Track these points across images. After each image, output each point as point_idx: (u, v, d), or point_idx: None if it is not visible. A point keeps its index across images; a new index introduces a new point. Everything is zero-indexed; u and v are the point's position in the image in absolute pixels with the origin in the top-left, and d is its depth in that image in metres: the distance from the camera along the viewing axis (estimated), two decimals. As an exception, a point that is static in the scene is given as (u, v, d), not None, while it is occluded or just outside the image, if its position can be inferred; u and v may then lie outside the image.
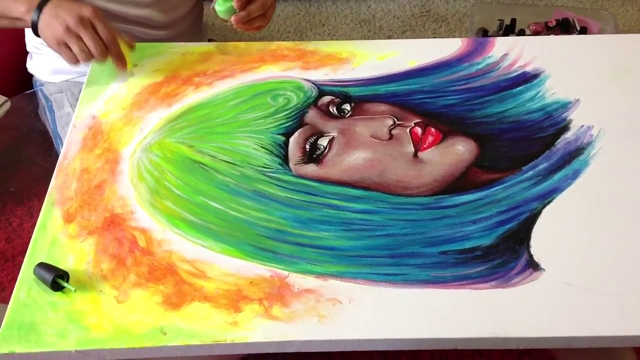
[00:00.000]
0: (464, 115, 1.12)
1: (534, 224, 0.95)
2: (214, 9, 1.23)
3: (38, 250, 0.94)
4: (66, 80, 1.43)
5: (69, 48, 1.17)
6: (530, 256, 0.90)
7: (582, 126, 1.09)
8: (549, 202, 0.97)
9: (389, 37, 2.53)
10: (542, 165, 1.03)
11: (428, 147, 1.05)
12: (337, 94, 1.16)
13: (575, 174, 1.01)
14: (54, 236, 0.96)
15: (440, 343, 0.84)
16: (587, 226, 0.94)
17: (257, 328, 0.84)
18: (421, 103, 1.14)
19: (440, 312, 0.85)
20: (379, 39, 2.51)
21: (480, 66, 1.22)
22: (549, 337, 0.83)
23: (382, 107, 1.13)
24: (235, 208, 0.98)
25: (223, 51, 1.30)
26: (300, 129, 1.08)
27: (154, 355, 0.85)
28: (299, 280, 0.89)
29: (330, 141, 1.06)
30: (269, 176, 1.02)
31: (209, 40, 1.61)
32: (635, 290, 0.86)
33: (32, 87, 1.51)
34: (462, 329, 0.83)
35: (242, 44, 1.31)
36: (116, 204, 1.01)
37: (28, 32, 1.48)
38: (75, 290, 0.89)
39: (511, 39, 1.28)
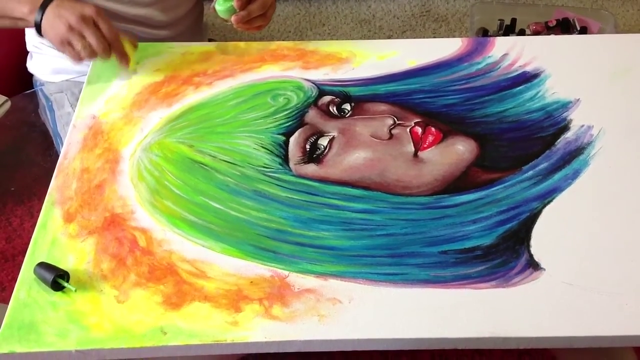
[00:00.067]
0: (464, 115, 1.12)
1: (534, 223, 0.95)
2: (214, 8, 1.23)
3: (38, 250, 0.94)
4: (66, 80, 1.44)
5: (73, 46, 1.17)
6: (531, 256, 0.90)
7: (582, 126, 1.09)
8: (549, 202, 0.97)
9: (389, 37, 2.53)
10: (542, 165, 1.03)
11: (428, 147, 1.05)
12: (337, 94, 1.16)
13: (576, 174, 1.01)
14: (54, 236, 0.96)
15: (441, 343, 0.84)
16: (587, 226, 0.94)
17: (257, 328, 0.84)
18: (421, 103, 1.14)
19: (441, 312, 0.85)
20: (379, 38, 2.51)
21: (480, 66, 1.22)
22: (549, 337, 0.83)
23: (382, 107, 1.13)
24: (236, 208, 0.98)
25: (223, 51, 1.30)
26: (300, 129, 1.08)
27: (154, 355, 0.85)
28: (299, 280, 0.89)
29: (331, 141, 1.06)
30: (269, 176, 1.02)
31: (209, 40, 1.61)
32: (635, 290, 0.86)
33: (32, 87, 1.51)
34: (463, 328, 0.83)
35: (242, 44, 1.31)
36: (116, 204, 1.01)
37: (28, 31, 1.48)
38: (75, 290, 0.89)
39: (511, 39, 1.28)
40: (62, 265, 0.91)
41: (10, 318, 0.86)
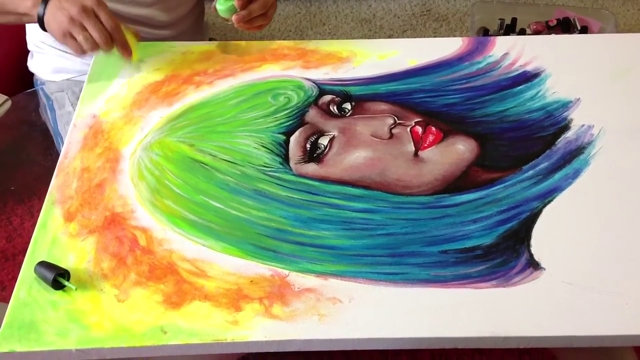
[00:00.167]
0: (464, 115, 1.12)
1: (535, 223, 0.94)
2: (215, 8, 1.23)
3: (38, 250, 0.94)
4: (67, 79, 1.44)
5: (75, 39, 1.17)
6: (531, 255, 0.90)
7: (583, 125, 1.09)
8: (549, 202, 0.97)
9: (390, 37, 2.53)
10: (543, 164, 1.03)
11: (428, 146, 1.05)
12: (338, 93, 1.16)
13: (576, 174, 1.01)
14: (54, 235, 0.96)
15: (441, 342, 0.84)
16: (587, 225, 0.94)
17: (257, 327, 0.84)
18: (422, 102, 1.14)
19: (441, 312, 0.85)
20: (380, 38, 2.51)
21: (480, 65, 1.22)
22: (549, 337, 0.83)
23: (383, 106, 1.13)
24: (236, 207, 0.98)
25: (224, 50, 1.30)
26: (300, 128, 1.08)
27: (154, 354, 0.85)
28: (299, 279, 0.89)
29: (331, 140, 1.06)
30: (269, 175, 1.02)
31: (210, 40, 1.61)
32: (635, 290, 0.86)
33: (32, 86, 1.51)
34: (463, 328, 0.83)
35: (242, 43, 1.31)
36: (117, 203, 1.01)
37: (29, 30, 1.48)
38: (76, 289, 0.89)
39: (512, 38, 1.28)
40: (63, 265, 0.91)
41: (10, 317, 0.86)
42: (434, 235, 0.93)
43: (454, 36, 2.52)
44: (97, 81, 1.23)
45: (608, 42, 1.31)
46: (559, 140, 1.07)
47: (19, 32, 1.51)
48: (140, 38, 1.29)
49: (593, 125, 1.09)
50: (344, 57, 1.26)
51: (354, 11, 2.61)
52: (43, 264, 0.90)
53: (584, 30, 2.17)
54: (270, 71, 1.23)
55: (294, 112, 1.12)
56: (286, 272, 0.90)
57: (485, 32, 2.21)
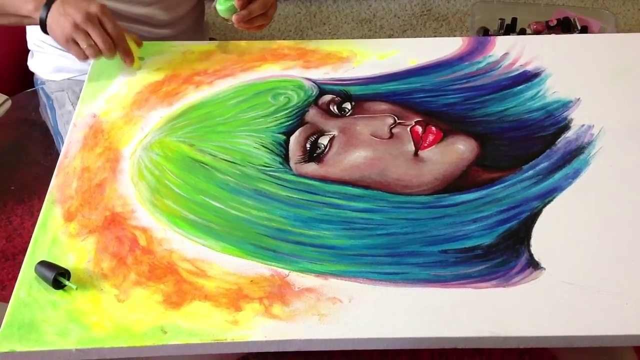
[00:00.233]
0: (464, 114, 1.12)
1: (535, 223, 0.94)
2: (215, 8, 1.23)
3: (38, 249, 0.94)
4: (67, 79, 1.44)
5: (78, 44, 1.17)
6: (531, 255, 0.90)
7: (583, 125, 1.09)
8: (549, 201, 0.97)
9: (390, 36, 2.53)
10: (543, 164, 1.03)
11: (429, 146, 1.05)
12: (338, 93, 1.16)
13: (576, 173, 1.01)
14: (54, 235, 0.96)
15: (441, 342, 0.84)
16: (587, 225, 0.94)
17: (257, 327, 0.84)
18: (422, 102, 1.14)
19: (441, 311, 0.85)
20: (380, 38, 2.51)
21: (481, 65, 1.22)
22: (549, 336, 0.83)
23: (383, 106, 1.13)
24: (236, 207, 0.98)
25: (224, 50, 1.30)
26: (300, 128, 1.08)
27: (154, 354, 0.85)
28: (299, 279, 0.89)
29: (331, 140, 1.06)
30: (269, 175, 1.02)
31: (210, 39, 1.61)
32: (635, 290, 0.86)
33: (32, 85, 1.51)
34: (463, 328, 0.83)
35: (242, 43, 1.31)
36: (117, 203, 1.01)
37: (29, 30, 1.48)
38: (76, 288, 0.89)
39: (512, 38, 1.28)
40: (63, 264, 0.91)
41: (10, 317, 0.86)
42: (434, 235, 0.93)
43: (454, 36, 2.51)
44: (98, 81, 1.23)
45: (608, 42, 1.31)
46: (559, 140, 1.07)
47: (20, 32, 1.51)
48: (140, 37, 1.29)
49: (593, 125, 1.09)
50: (344, 57, 1.26)
51: (354, 11, 2.61)
52: (43, 264, 0.90)
53: (584, 30, 2.17)
54: (270, 71, 1.23)
55: (294, 112, 1.12)
56: (286, 272, 0.90)
57: (485, 32, 2.21)
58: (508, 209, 0.96)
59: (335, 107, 1.12)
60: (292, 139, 1.07)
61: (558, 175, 1.01)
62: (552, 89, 1.16)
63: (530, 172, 1.02)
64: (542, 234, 0.93)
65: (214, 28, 2.36)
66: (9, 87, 1.48)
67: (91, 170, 1.06)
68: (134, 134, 1.12)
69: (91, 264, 0.92)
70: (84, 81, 1.24)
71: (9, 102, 1.41)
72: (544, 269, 0.89)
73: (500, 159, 1.05)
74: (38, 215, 0.99)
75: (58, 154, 1.10)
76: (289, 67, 1.23)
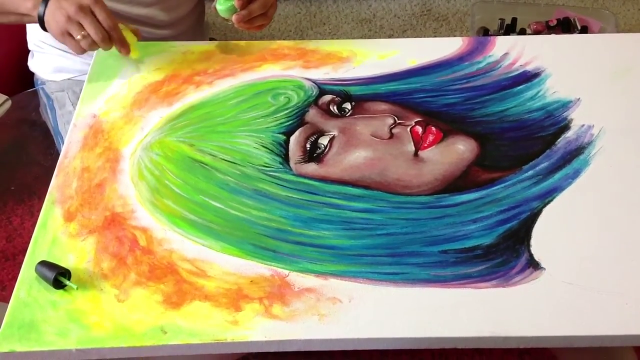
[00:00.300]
0: (464, 114, 1.12)
1: (535, 223, 0.94)
2: (215, 8, 1.23)
3: (38, 249, 0.94)
4: (68, 79, 1.44)
5: (73, 37, 1.17)
6: (531, 255, 0.90)
7: (583, 125, 1.09)
8: (549, 202, 0.97)
9: (390, 36, 2.53)
10: (543, 164, 1.03)
11: (429, 146, 1.05)
12: (338, 93, 1.16)
13: (576, 173, 1.01)
14: (54, 235, 0.96)
15: (441, 342, 0.84)
16: (587, 225, 0.94)
17: (257, 327, 0.84)
18: (422, 102, 1.14)
19: (441, 311, 0.85)
20: (380, 38, 2.51)
21: (481, 65, 1.22)
22: (549, 337, 0.83)
23: (383, 106, 1.13)
24: (236, 207, 0.98)
25: (224, 50, 1.30)
26: (300, 128, 1.08)
27: (154, 354, 0.85)
28: (299, 279, 0.89)
29: (331, 140, 1.06)
30: (269, 175, 1.02)
31: (210, 40, 1.61)
32: (635, 290, 0.86)
33: (33, 86, 1.51)
34: (463, 328, 0.83)
35: (242, 43, 1.31)
36: (117, 203, 1.01)
37: (30, 30, 1.48)
38: (77, 288, 0.89)
39: (512, 38, 1.28)
40: (63, 264, 0.91)
41: (10, 317, 0.86)
42: (434, 235, 0.93)
43: (454, 36, 2.51)
44: (97, 81, 1.23)
45: (608, 42, 1.31)
46: (559, 140, 1.07)
47: (20, 32, 1.51)
48: (141, 38, 1.29)
49: (593, 125, 1.09)
50: (344, 57, 1.26)
51: (354, 11, 2.61)
52: (44, 264, 0.90)
53: (584, 30, 2.17)
54: (270, 71, 1.23)
55: (294, 112, 1.12)
56: (286, 272, 0.90)
57: (485, 32, 2.21)
58: (508, 209, 0.96)
59: (335, 107, 1.12)
60: (292, 139, 1.07)
61: (558, 176, 1.01)
62: (552, 89, 1.16)
63: (530, 172, 1.02)
64: (542, 234, 0.93)
65: (214, 28, 2.36)
66: (9, 87, 1.48)
67: (91, 170, 1.06)
68: (134, 134, 1.12)
69: (91, 264, 0.92)
70: (84, 81, 1.24)
71: (9, 102, 1.41)
72: (544, 269, 0.89)
73: (500, 159, 1.05)
74: (38, 216, 0.99)
75: (58, 154, 1.10)
76: (289, 67, 1.24)
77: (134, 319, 0.86)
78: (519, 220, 0.95)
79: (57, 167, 1.07)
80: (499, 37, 1.31)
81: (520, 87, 1.17)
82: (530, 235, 0.93)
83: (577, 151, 1.05)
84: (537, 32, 2.18)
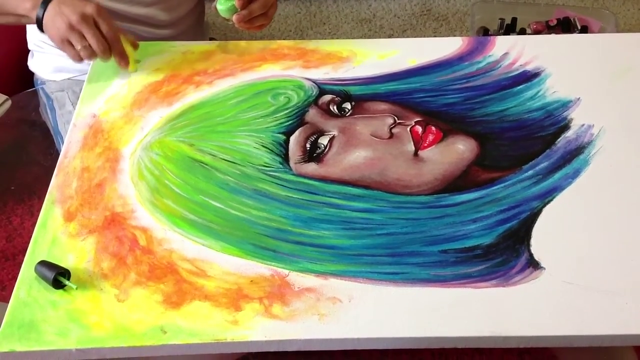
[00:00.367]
0: (464, 114, 1.12)
1: (535, 222, 0.94)
2: (215, 8, 1.23)
3: (38, 249, 0.94)
4: (68, 79, 1.44)
5: (72, 45, 1.17)
6: (531, 255, 0.90)
7: (583, 125, 1.09)
8: (549, 201, 0.97)
9: (390, 36, 2.53)
10: (543, 164, 1.03)
11: (428, 146, 1.05)
12: (338, 93, 1.16)
13: (576, 173, 1.01)
14: (54, 235, 0.96)
15: (441, 342, 0.84)
16: (587, 225, 0.94)
17: (257, 327, 0.84)
18: (422, 102, 1.14)
19: (441, 311, 0.85)
20: (380, 37, 2.51)
21: (480, 65, 1.22)
22: (549, 336, 0.83)
23: (383, 106, 1.13)
24: (236, 207, 0.98)
25: (224, 50, 1.30)
26: (300, 128, 1.08)
27: (154, 354, 0.85)
28: (299, 279, 0.89)
29: (331, 140, 1.06)
30: (269, 175, 1.02)
31: (210, 39, 1.61)
32: (635, 289, 0.86)
33: (33, 85, 1.51)
34: (463, 327, 0.83)
35: (242, 43, 1.31)
36: (117, 203, 1.01)
37: (30, 30, 1.48)
38: (76, 288, 0.89)
39: (512, 38, 1.28)
40: (63, 264, 0.91)
41: (10, 317, 0.86)
42: (434, 235, 0.93)
43: (454, 36, 2.52)
44: (97, 81, 1.23)
45: (608, 41, 1.31)
46: (558, 139, 1.07)
47: (20, 32, 1.51)
48: (141, 37, 1.29)
49: (593, 125, 1.09)
50: (344, 57, 1.26)
51: (354, 11, 2.61)
52: (43, 263, 0.90)
53: (584, 30, 2.17)
54: (270, 71, 1.23)
55: (294, 112, 1.12)
56: (286, 271, 0.90)
57: (485, 32, 2.21)
58: (508, 209, 0.96)
59: (335, 107, 1.12)
60: (292, 138, 1.07)
61: (558, 175, 1.01)
62: (552, 89, 1.16)
63: (530, 172, 1.02)
64: (542, 233, 0.93)
65: (214, 28, 2.36)
66: (9, 87, 1.48)
67: (91, 170, 1.06)
68: (134, 134, 1.12)
69: (91, 264, 0.92)
70: (84, 81, 1.24)
71: (9, 102, 1.41)
72: (544, 268, 0.89)
73: (500, 159, 1.05)
74: (38, 215, 0.99)
75: (58, 154, 1.10)
76: (289, 67, 1.24)
77: (134, 319, 0.86)
78: (519, 220, 0.95)
79: (57, 167, 1.07)
80: (498, 36, 1.31)
81: (520, 86, 1.17)
82: (530, 235, 0.93)
83: (577, 151, 1.05)
84: (537, 32, 2.18)
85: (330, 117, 1.10)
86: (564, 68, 1.20)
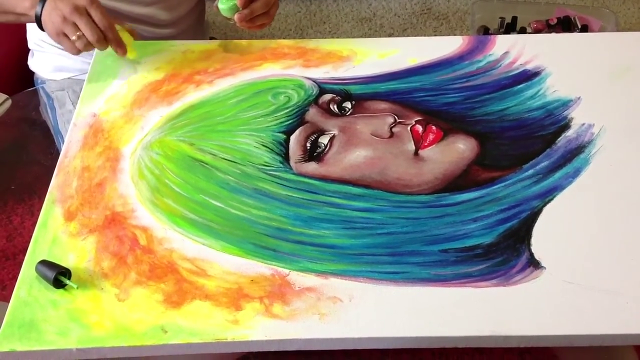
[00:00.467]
0: (464, 113, 1.12)
1: (535, 222, 0.94)
2: (217, 7, 1.23)
3: (39, 249, 0.94)
4: (68, 78, 1.44)
5: (68, 38, 1.17)
6: (531, 254, 0.90)
7: (583, 124, 1.09)
8: (549, 201, 0.97)
9: (390, 35, 2.53)
10: (543, 163, 1.03)
11: (429, 145, 1.05)
12: (338, 92, 1.16)
13: (576, 172, 1.01)
14: (54, 234, 0.96)
15: (441, 341, 0.84)
16: (588, 224, 0.94)
17: (257, 326, 0.84)
18: (422, 101, 1.14)
19: (441, 311, 0.85)
20: (380, 36, 2.51)
21: (481, 64, 1.22)
22: (550, 336, 0.83)
23: (383, 105, 1.13)
24: (236, 206, 0.98)
25: (224, 49, 1.30)
26: (301, 127, 1.08)
27: (154, 353, 0.85)
28: (299, 278, 0.89)
29: (331, 139, 1.06)
30: (269, 174, 1.02)
31: (210, 39, 1.61)
32: (636, 289, 0.86)
33: (33, 85, 1.51)
34: (463, 327, 0.83)
35: (243, 42, 1.31)
36: (117, 202, 1.01)
37: (30, 29, 1.48)
38: (77, 287, 0.89)
39: (512, 37, 1.28)
40: (63, 264, 0.91)
41: (10, 316, 0.86)
42: (434, 234, 0.93)
43: (455, 35, 2.52)
44: (98, 80, 1.23)
45: (608, 40, 1.31)
46: (559, 139, 1.07)
47: (20, 31, 1.51)
48: (141, 37, 1.29)
49: (593, 124, 1.09)
50: (344, 56, 1.25)
51: (354, 10, 2.61)
52: (44, 263, 0.90)
53: (585, 29, 2.17)
54: (270, 70, 1.23)
55: (294, 111, 1.12)
56: (286, 271, 0.90)
57: (485, 31, 2.21)
58: (508, 208, 0.96)
59: (335, 106, 1.12)
60: (292, 138, 1.07)
61: (558, 174, 1.01)
62: (553, 88, 1.16)
63: (531, 171, 1.02)
64: (543, 233, 0.93)
65: (215, 27, 2.36)
66: (9, 86, 1.48)
67: (91, 169, 1.06)
68: (134, 133, 1.12)
69: (91, 264, 0.92)
70: (84, 80, 1.24)
71: (9, 102, 1.41)
72: (545, 268, 0.89)
73: (501, 158, 1.04)
74: (38, 215, 0.99)
75: (58, 154, 1.10)
76: (289, 66, 1.23)
77: (135, 319, 0.86)
78: (520, 219, 0.95)
79: (57, 167, 1.07)
80: (499, 35, 1.31)
81: (521, 85, 1.17)
82: (531, 234, 0.93)
83: (578, 150, 1.05)
84: (537, 31, 2.18)
85: (331, 117, 1.10)
86: (564, 67, 1.20)
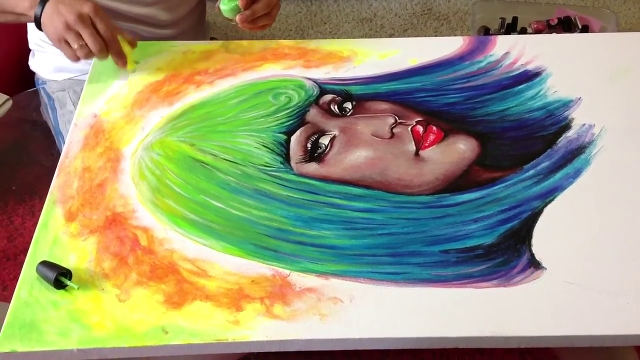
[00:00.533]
0: (465, 114, 1.12)
1: (536, 222, 0.94)
2: (218, 8, 1.23)
3: (40, 249, 0.94)
4: (69, 78, 1.44)
5: (69, 45, 1.17)
6: (532, 255, 0.90)
7: (584, 125, 1.09)
8: (550, 201, 0.97)
9: (391, 36, 2.53)
10: (544, 163, 1.03)
11: (429, 146, 1.05)
12: (339, 93, 1.16)
13: (577, 173, 1.01)
14: (55, 235, 0.96)
15: (442, 342, 0.84)
16: (588, 225, 0.94)
17: (258, 327, 0.84)
18: (423, 101, 1.14)
19: (442, 311, 0.85)
20: (381, 37, 2.51)
21: (481, 64, 1.22)
22: (550, 336, 0.83)
23: (384, 106, 1.13)
24: (237, 207, 0.98)
25: (225, 49, 1.30)
26: (301, 128, 1.08)
27: (155, 354, 0.85)
28: (300, 279, 0.89)
29: (332, 140, 1.06)
30: (270, 175, 1.02)
31: (211, 39, 1.61)
32: (636, 289, 0.86)
33: (33, 85, 1.51)
34: (464, 327, 0.83)
35: (243, 43, 1.31)
36: (118, 203, 1.01)
37: (30, 29, 1.48)
38: (78, 288, 0.89)
39: (513, 37, 1.28)
40: (64, 264, 0.91)
41: (11, 317, 0.86)
42: (435, 235, 0.93)
43: (455, 35, 2.52)
44: (98, 81, 1.23)
45: (609, 41, 1.31)
46: (560, 139, 1.07)
47: (20, 31, 1.51)
48: (141, 37, 1.29)
49: (594, 125, 1.09)
50: (345, 57, 1.26)
51: (355, 10, 2.61)
52: (45, 264, 0.90)
53: (585, 29, 2.17)
54: (271, 70, 1.23)
55: (294, 112, 1.12)
56: (287, 271, 0.90)
57: (486, 31, 2.21)
58: (509, 209, 0.96)
59: (336, 107, 1.12)
60: (293, 138, 1.07)
61: (559, 175, 1.01)
62: (553, 88, 1.16)
63: (531, 172, 1.02)
64: (543, 233, 0.93)
65: (215, 28, 2.36)
66: (10, 86, 1.48)
67: (92, 170, 1.06)
68: (135, 134, 1.12)
69: (92, 264, 0.92)
70: (85, 81, 1.24)
71: (10, 102, 1.41)
72: (545, 268, 0.89)
73: (501, 159, 1.04)
74: (39, 215, 0.99)
75: (59, 154, 1.10)
76: (289, 67, 1.24)
77: (135, 319, 0.86)
78: (520, 219, 0.95)
79: (58, 167, 1.07)
80: (499, 36, 1.31)
81: (521, 86, 1.17)
82: (532, 234, 0.93)
83: (578, 150, 1.05)
84: (538, 31, 2.18)
85: (331, 117, 1.10)
86: (564, 67, 1.20)
